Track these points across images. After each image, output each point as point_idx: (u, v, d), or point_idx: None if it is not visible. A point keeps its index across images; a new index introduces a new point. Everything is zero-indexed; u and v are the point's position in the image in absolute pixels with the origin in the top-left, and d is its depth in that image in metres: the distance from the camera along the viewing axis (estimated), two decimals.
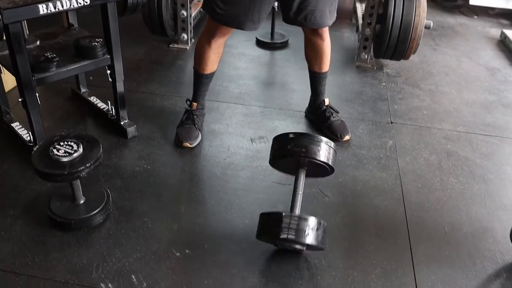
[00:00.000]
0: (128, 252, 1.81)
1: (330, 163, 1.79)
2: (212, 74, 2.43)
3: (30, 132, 2.23)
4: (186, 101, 2.49)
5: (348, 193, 2.16)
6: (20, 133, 2.34)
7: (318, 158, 1.75)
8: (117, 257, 1.79)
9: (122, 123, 2.43)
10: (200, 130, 2.44)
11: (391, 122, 2.71)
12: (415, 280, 1.77)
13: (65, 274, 1.71)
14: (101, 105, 2.59)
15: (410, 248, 1.90)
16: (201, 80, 2.42)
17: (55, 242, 1.84)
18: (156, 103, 2.75)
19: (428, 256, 1.87)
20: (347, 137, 2.49)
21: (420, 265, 1.83)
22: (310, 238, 1.67)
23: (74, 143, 1.83)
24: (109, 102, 2.53)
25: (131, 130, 2.42)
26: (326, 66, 2.47)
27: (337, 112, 2.58)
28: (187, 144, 2.35)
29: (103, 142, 2.34)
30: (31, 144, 2.23)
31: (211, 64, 2.38)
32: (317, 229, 1.69)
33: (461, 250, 1.91)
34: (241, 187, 2.15)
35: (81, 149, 1.81)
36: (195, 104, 2.46)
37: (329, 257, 1.84)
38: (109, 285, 1.68)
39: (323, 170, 1.84)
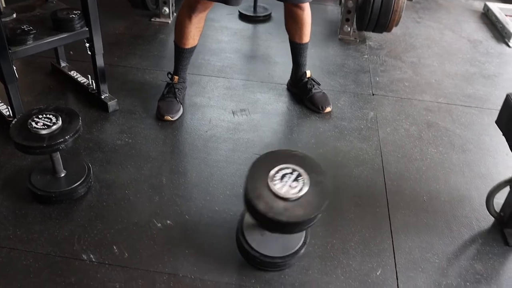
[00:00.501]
0: (110, 224, 1.82)
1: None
2: (193, 48, 2.41)
3: (9, 107, 2.21)
4: (168, 75, 2.48)
5: (328, 164, 2.18)
6: None
7: None
8: (99, 228, 1.80)
9: (103, 97, 2.42)
10: (181, 104, 2.43)
11: (373, 94, 2.72)
12: (393, 247, 1.81)
13: (46, 246, 1.72)
14: (81, 79, 2.57)
15: (389, 216, 1.93)
16: (182, 54, 2.41)
17: (36, 215, 1.84)
18: (137, 77, 2.74)
19: (406, 224, 1.91)
20: (328, 109, 2.50)
21: (398, 232, 1.87)
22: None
23: (53, 116, 1.82)
24: (89, 76, 2.51)
25: (112, 104, 2.41)
26: (306, 37, 2.46)
27: (319, 84, 2.59)
28: (169, 117, 2.34)
29: (84, 116, 2.35)
30: (10, 119, 2.21)
31: (192, 39, 2.36)
32: None
33: (438, 218, 1.95)
34: (223, 158, 2.16)
35: (60, 122, 1.80)
36: (176, 77, 2.44)
37: None
38: (91, 256, 1.70)
39: None
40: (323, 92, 2.55)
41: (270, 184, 1.46)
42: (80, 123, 1.83)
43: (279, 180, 1.47)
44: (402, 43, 3.39)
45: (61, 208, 1.87)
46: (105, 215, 1.85)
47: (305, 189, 1.46)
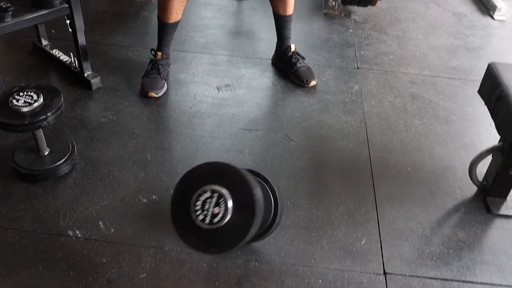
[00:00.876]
0: (95, 200, 1.82)
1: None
2: (177, 23, 2.39)
3: None
4: (151, 51, 2.45)
5: (313, 137, 2.19)
6: None
7: None
8: (84, 205, 1.80)
9: (85, 74, 2.40)
10: (165, 80, 2.42)
11: (358, 68, 2.72)
12: (378, 217, 1.83)
13: (32, 223, 1.72)
14: (63, 57, 2.54)
15: (373, 187, 1.95)
16: (165, 29, 2.39)
17: (21, 194, 1.83)
18: (120, 54, 2.71)
19: (391, 194, 1.93)
20: (313, 83, 2.50)
21: (383, 203, 1.89)
22: None
23: (34, 93, 1.80)
24: (71, 55, 2.48)
25: (95, 82, 2.38)
26: (290, 8, 2.45)
27: (304, 58, 2.58)
28: (153, 94, 2.33)
29: (67, 94, 2.33)
30: None
31: (175, 13, 2.34)
32: None
33: (422, 188, 1.98)
34: (208, 134, 2.16)
35: (41, 99, 1.78)
36: (159, 53, 2.42)
37: (293, 198, 1.88)
38: (77, 232, 1.70)
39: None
40: (308, 66, 2.55)
41: (193, 217, 1.34)
42: (62, 100, 1.82)
43: (200, 210, 1.33)
44: (387, 16, 3.37)
45: (45, 186, 1.86)
46: (90, 192, 1.85)
47: (227, 216, 1.32)
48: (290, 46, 2.55)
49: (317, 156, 2.09)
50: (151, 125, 2.22)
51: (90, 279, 1.55)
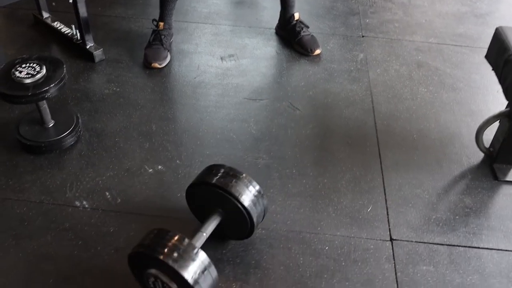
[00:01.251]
0: (101, 171, 1.82)
1: (252, 216, 1.47)
2: None
3: None
4: (153, 21, 2.42)
5: (318, 106, 2.17)
6: None
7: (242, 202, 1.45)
8: (90, 176, 1.80)
9: (88, 47, 2.37)
10: (168, 51, 2.39)
11: (362, 36, 2.68)
12: (384, 184, 1.83)
13: (39, 194, 1.73)
14: (65, 30, 2.51)
15: (379, 155, 1.95)
16: None
17: (27, 166, 1.84)
18: (122, 26, 2.67)
19: (397, 162, 1.92)
20: (317, 51, 2.47)
21: (389, 170, 1.88)
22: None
23: (37, 64, 1.79)
24: (73, 27, 2.44)
25: (98, 54, 2.36)
26: None
27: (308, 27, 2.54)
28: (156, 65, 2.31)
29: (70, 67, 2.31)
30: None
31: None
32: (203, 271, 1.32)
33: (428, 155, 1.97)
34: (212, 104, 2.15)
35: (44, 70, 1.77)
36: (161, 23, 2.39)
37: (299, 166, 1.88)
38: (84, 202, 1.71)
39: (239, 223, 1.51)
40: (312, 35, 2.51)
41: None
42: (64, 71, 1.81)
43: None
44: None
45: (51, 158, 1.87)
46: (96, 163, 1.85)
47: None
48: (294, 15, 2.51)
49: (322, 125, 2.08)
50: (155, 96, 2.21)
51: (98, 248, 1.57)
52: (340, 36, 2.67)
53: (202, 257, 1.30)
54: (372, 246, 1.62)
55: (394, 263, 1.58)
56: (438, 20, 2.90)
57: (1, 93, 1.72)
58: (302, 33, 2.48)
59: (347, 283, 1.51)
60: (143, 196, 1.73)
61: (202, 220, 1.54)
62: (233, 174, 1.48)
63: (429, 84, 2.35)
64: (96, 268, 1.52)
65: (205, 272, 1.30)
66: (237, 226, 1.52)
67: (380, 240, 1.64)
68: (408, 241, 1.65)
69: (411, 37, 2.71)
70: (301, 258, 1.57)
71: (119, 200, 1.72)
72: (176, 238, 1.30)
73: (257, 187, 1.49)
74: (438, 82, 2.37)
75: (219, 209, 1.51)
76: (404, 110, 2.18)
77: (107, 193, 1.74)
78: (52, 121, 1.93)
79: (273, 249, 1.59)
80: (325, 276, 1.53)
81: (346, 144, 1.99)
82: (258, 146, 1.95)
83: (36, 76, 1.75)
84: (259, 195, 1.49)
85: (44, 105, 1.86)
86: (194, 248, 1.30)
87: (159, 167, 1.84)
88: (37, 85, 1.73)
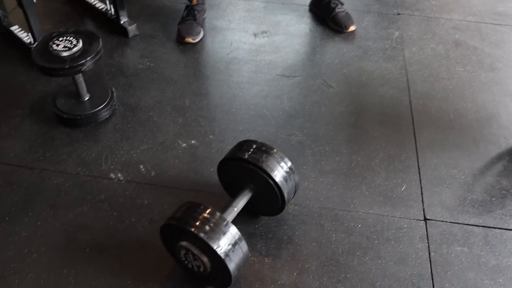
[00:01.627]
0: (135, 145, 1.84)
1: (283, 192, 1.47)
2: None
3: (30, 34, 2.20)
4: None
5: (352, 83, 2.14)
6: (20, 36, 2.30)
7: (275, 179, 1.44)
8: (125, 149, 1.82)
9: (122, 22, 2.38)
10: (202, 26, 2.39)
11: (398, 14, 2.62)
12: (418, 163, 1.80)
13: (75, 166, 1.76)
14: (99, 5, 2.52)
15: (414, 134, 1.91)
16: None
17: (63, 138, 1.87)
18: (156, 1, 2.67)
19: (432, 141, 1.89)
20: (352, 28, 2.42)
21: (424, 149, 1.85)
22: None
23: (73, 38, 1.81)
24: (107, 2, 2.46)
25: (131, 29, 2.37)
26: None
27: (342, 3, 2.50)
28: (189, 40, 2.31)
29: (104, 42, 2.32)
30: (31, 46, 2.21)
31: None
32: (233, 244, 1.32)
33: (465, 135, 1.93)
34: (245, 80, 2.14)
35: (80, 44, 1.79)
36: None
37: (333, 144, 1.86)
38: (119, 175, 1.73)
39: (270, 199, 1.51)
40: (346, 12, 2.47)
41: (186, 265, 1.39)
42: (100, 44, 1.82)
43: (186, 261, 1.36)
44: None
45: (87, 131, 1.90)
46: (130, 136, 1.87)
47: (208, 268, 1.32)
48: None
49: (356, 103, 2.05)
50: (189, 71, 2.21)
51: (133, 219, 1.59)
52: (375, 13, 2.62)
53: (232, 231, 1.31)
54: (405, 225, 1.60)
55: (428, 243, 1.56)
56: None
57: (39, 65, 1.74)
58: (336, 10, 2.44)
59: (379, 261, 1.51)
60: (177, 170, 1.75)
61: (233, 196, 1.55)
62: (264, 150, 1.48)
63: (467, 63, 2.29)
64: (131, 239, 1.54)
65: (236, 246, 1.30)
66: (268, 202, 1.52)
67: (414, 219, 1.62)
68: (442, 221, 1.62)
69: (449, 15, 2.63)
70: (334, 235, 1.57)
71: (153, 173, 1.74)
72: (207, 211, 1.31)
73: (289, 163, 1.49)
74: (476, 61, 2.31)
75: (250, 184, 1.51)
76: (440, 89, 2.14)
77: (141, 166, 1.76)
78: (88, 95, 1.95)
79: (305, 225, 1.59)
80: (358, 253, 1.52)
81: (381, 122, 1.96)
82: (292, 123, 1.94)
83: (73, 49, 1.76)
84: (290, 171, 1.49)
85: (80, 78, 1.89)
86: (225, 221, 1.31)
87: (193, 141, 1.85)
88: (74, 58, 1.75)
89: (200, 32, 2.35)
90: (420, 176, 1.76)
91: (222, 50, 2.31)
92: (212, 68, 2.22)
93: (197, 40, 2.32)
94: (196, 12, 2.36)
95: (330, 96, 2.07)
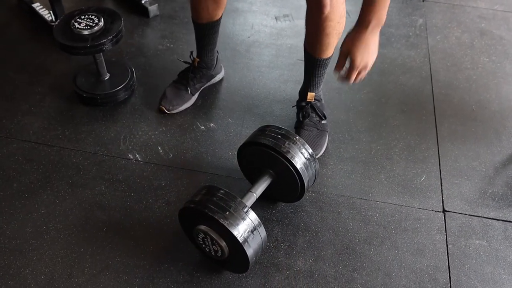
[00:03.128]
0: (154, 126, 1.84)
1: (303, 179, 1.45)
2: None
3: (51, 11, 2.20)
4: None
5: (374, 70, 2.08)
6: (41, 13, 2.30)
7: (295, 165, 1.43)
8: (143, 130, 1.82)
9: (143, 2, 2.37)
10: (193, 94, 1.98)
11: (423, 0, 2.57)
12: (439, 154, 1.78)
13: (94, 145, 1.77)
14: None
15: (435, 124, 1.89)
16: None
17: (83, 117, 1.88)
18: None
19: (453, 132, 1.86)
20: None
21: (445, 140, 1.83)
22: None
23: (95, 16, 1.80)
24: None
25: (152, 9, 2.36)
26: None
27: None
28: (163, 108, 1.88)
29: (125, 22, 2.27)
30: (53, 24, 2.21)
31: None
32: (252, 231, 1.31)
33: (487, 127, 1.89)
34: (265, 64, 2.12)
35: (102, 23, 1.78)
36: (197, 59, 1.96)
37: (352, 131, 1.84)
38: (137, 155, 1.74)
39: (290, 185, 1.50)
40: None
41: (204, 249, 1.40)
42: (122, 24, 1.81)
43: (204, 245, 1.37)
44: None
45: (106, 110, 1.90)
46: (149, 118, 1.87)
47: (226, 252, 1.33)
48: None
49: (377, 90, 2.02)
50: None
51: (150, 200, 1.60)
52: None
53: (252, 216, 1.30)
54: (423, 216, 1.59)
55: (446, 235, 1.54)
56: None
57: (61, 43, 1.74)
58: None
59: (396, 251, 1.50)
60: (195, 152, 1.75)
61: (252, 181, 1.54)
62: (286, 136, 1.46)
63: (492, 53, 2.24)
64: (147, 220, 1.55)
65: (255, 232, 1.30)
66: (287, 188, 1.52)
67: (432, 210, 1.61)
68: (461, 213, 1.60)
69: (475, 3, 2.57)
70: (351, 223, 1.56)
71: (171, 155, 1.74)
72: (227, 196, 1.31)
73: (310, 150, 1.47)
74: (501, 52, 2.26)
75: (270, 170, 1.50)
76: (463, 79, 2.09)
77: (160, 148, 1.76)
78: (108, 74, 1.95)
79: (322, 212, 1.59)
80: (374, 243, 1.51)
81: (402, 111, 1.93)
82: None
83: (95, 28, 1.76)
84: (311, 158, 1.47)
85: (100, 57, 1.88)
86: (244, 206, 1.31)
87: (211, 124, 1.85)
88: (95, 36, 1.75)
89: (185, 103, 1.91)
90: (440, 167, 1.73)
91: (243, 33, 2.29)
92: (233, 51, 2.20)
93: (174, 111, 1.89)
94: (190, 77, 1.91)
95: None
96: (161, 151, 1.75)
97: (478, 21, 2.44)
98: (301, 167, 1.44)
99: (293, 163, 1.42)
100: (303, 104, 1.78)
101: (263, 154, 1.47)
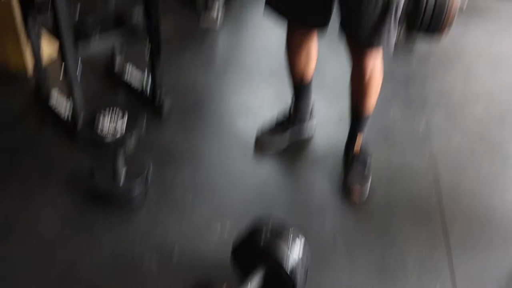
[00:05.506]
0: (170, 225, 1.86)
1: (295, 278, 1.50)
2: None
3: (69, 104, 2.21)
4: None
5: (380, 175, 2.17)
6: (58, 106, 2.32)
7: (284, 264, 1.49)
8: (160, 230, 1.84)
9: (157, 100, 2.40)
10: None
11: (424, 105, 2.67)
12: (451, 264, 1.80)
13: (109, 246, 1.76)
14: (135, 85, 2.54)
15: (445, 233, 1.93)
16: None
17: (97, 213, 1.88)
18: (189, 77, 2.74)
19: (464, 240, 1.90)
20: None
21: (456, 249, 1.86)
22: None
23: (118, 114, 1.84)
24: (144, 82, 2.49)
25: (166, 104, 2.41)
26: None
27: None
28: None
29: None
30: (69, 117, 2.23)
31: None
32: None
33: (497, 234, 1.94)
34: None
35: (125, 122, 1.81)
36: None
37: (364, 236, 1.88)
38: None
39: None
40: None
41: None
42: (144, 123, 1.87)
43: None
44: (450, 52, 3.29)
45: (121, 206, 1.92)
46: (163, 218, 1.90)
47: None
48: None
49: (384, 195, 2.08)
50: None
51: None
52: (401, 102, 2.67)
53: None
54: None
55: None
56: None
57: (84, 140, 1.80)
58: None
59: None
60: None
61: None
62: (277, 234, 1.53)
63: (492, 158, 2.34)
64: None
65: None
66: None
67: None
68: None
69: (473, 108, 2.68)
70: None
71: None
72: None
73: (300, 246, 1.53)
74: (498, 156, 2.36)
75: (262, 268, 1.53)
76: (468, 183, 2.17)
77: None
78: (124, 168, 1.95)
79: None
80: None
81: (410, 217, 1.98)
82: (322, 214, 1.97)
83: (117, 128, 1.80)
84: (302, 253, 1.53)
85: (120, 154, 1.90)
86: None
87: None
88: (118, 137, 1.78)
89: None
90: (454, 279, 1.75)
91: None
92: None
93: None
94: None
95: None
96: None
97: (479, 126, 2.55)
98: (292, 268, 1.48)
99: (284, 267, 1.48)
100: None
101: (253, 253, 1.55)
